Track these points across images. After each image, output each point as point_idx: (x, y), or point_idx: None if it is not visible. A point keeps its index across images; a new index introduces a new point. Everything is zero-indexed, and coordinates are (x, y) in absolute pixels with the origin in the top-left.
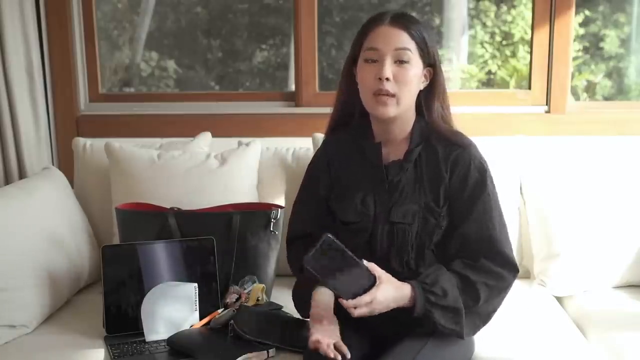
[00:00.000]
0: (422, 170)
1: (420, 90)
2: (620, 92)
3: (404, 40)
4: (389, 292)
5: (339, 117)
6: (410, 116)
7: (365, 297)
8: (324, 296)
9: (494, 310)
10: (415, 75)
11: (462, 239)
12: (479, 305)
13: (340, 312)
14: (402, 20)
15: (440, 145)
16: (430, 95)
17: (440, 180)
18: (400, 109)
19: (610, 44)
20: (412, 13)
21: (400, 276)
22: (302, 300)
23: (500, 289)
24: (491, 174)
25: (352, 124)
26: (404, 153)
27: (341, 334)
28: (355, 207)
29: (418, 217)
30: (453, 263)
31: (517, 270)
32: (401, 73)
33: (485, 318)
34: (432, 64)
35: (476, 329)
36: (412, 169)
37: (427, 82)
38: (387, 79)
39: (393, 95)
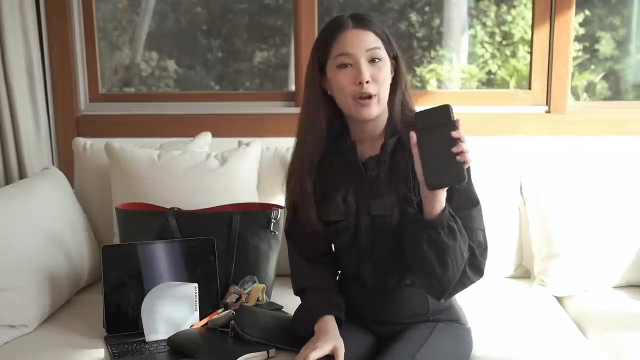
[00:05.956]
0: (398, 161)
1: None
2: (617, 93)
3: (372, 39)
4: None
5: (307, 125)
6: (385, 111)
7: (463, 145)
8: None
9: (452, 283)
10: (388, 71)
11: None
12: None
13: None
14: (364, 21)
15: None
16: (396, 85)
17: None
18: (381, 107)
19: (606, 46)
20: (412, 13)
21: (386, 269)
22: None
23: (467, 262)
24: None
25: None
26: (380, 147)
27: (343, 330)
28: (337, 206)
29: (396, 207)
30: None
31: (486, 249)
32: (377, 72)
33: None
34: (395, 56)
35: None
36: (388, 162)
37: (393, 74)
38: (368, 82)
39: (374, 95)
